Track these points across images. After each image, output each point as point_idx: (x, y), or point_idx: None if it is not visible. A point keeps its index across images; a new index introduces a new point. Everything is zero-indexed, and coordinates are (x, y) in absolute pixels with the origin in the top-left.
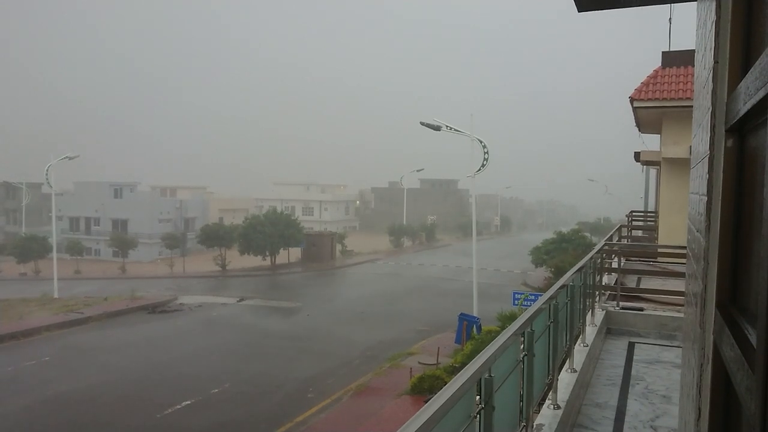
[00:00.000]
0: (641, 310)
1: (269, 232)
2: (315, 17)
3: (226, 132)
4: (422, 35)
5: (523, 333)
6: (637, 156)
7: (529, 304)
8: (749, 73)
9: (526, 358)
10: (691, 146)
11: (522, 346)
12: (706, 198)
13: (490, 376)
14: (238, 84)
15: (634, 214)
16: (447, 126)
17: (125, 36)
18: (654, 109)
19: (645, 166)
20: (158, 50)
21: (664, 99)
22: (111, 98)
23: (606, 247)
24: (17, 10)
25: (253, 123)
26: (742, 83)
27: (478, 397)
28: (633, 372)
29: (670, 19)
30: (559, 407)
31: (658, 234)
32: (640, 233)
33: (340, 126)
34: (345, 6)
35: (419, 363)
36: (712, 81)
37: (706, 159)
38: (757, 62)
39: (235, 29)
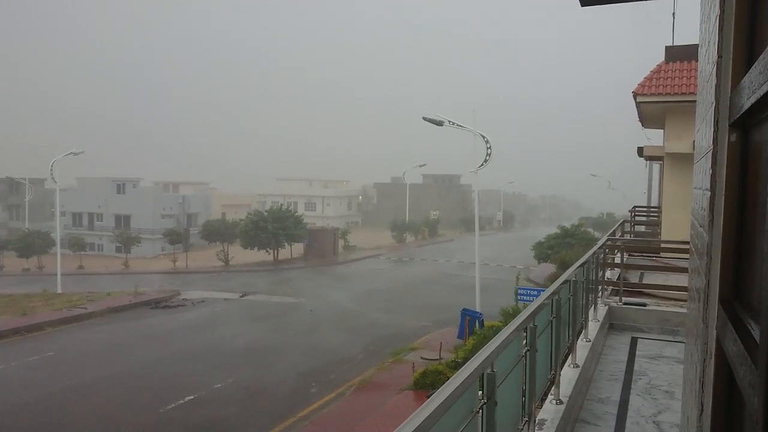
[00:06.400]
0: (644, 305)
1: (271, 227)
2: (320, 17)
3: (228, 129)
4: (426, 38)
5: (526, 328)
6: (640, 151)
7: (530, 299)
8: (753, 67)
9: (528, 353)
10: (694, 141)
11: (524, 342)
12: (710, 193)
13: (493, 371)
14: (241, 82)
15: (637, 209)
16: (449, 121)
17: (126, 36)
18: (657, 103)
19: (648, 162)
20: (161, 49)
21: (668, 94)
22: (113, 97)
23: (609, 243)
24: (17, 13)
25: (255, 120)
26: (746, 78)
27: (480, 392)
28: (636, 367)
29: (673, 13)
30: (561, 402)
31: (661, 229)
32: (643, 228)
33: (342, 123)
34: (352, 7)
35: (422, 358)
36: (716, 75)
37: (710, 154)
38: (761, 56)
39: (237, 28)
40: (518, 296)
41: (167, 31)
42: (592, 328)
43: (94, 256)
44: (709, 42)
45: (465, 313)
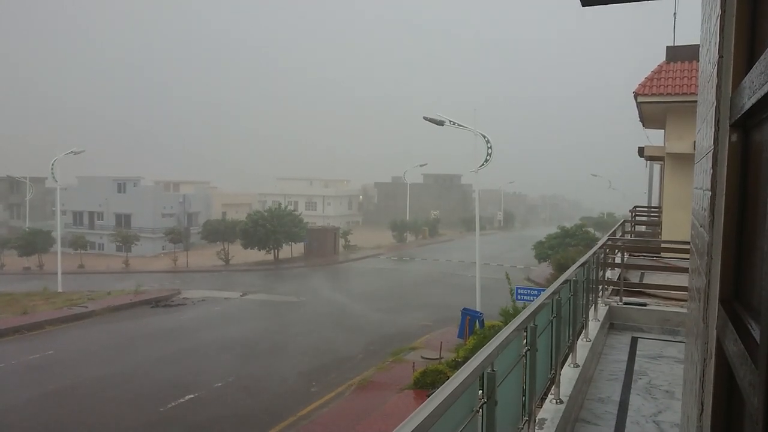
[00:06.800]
0: (644, 305)
1: (272, 227)
2: (320, 17)
3: (228, 129)
4: (426, 38)
5: (526, 328)
6: (641, 151)
7: (531, 299)
8: (754, 67)
9: (528, 352)
10: (695, 141)
11: (525, 341)
12: (710, 193)
13: (493, 370)
14: (241, 82)
15: (637, 209)
16: (450, 121)
17: (126, 36)
18: (658, 104)
19: (649, 162)
20: (161, 49)
21: (669, 94)
22: (113, 97)
23: (609, 242)
24: (17, 13)
25: (255, 120)
26: (747, 78)
27: (480, 391)
28: (636, 367)
29: (674, 13)
30: (561, 402)
31: (661, 229)
32: (643, 228)
33: (343, 123)
34: (352, 7)
35: (422, 357)
36: (717, 75)
37: (710, 154)
38: (762, 56)
39: (237, 28)
40: (517, 296)
41: (167, 31)
42: (593, 327)
43: (95, 255)
44: (710, 42)
45: (465, 312)
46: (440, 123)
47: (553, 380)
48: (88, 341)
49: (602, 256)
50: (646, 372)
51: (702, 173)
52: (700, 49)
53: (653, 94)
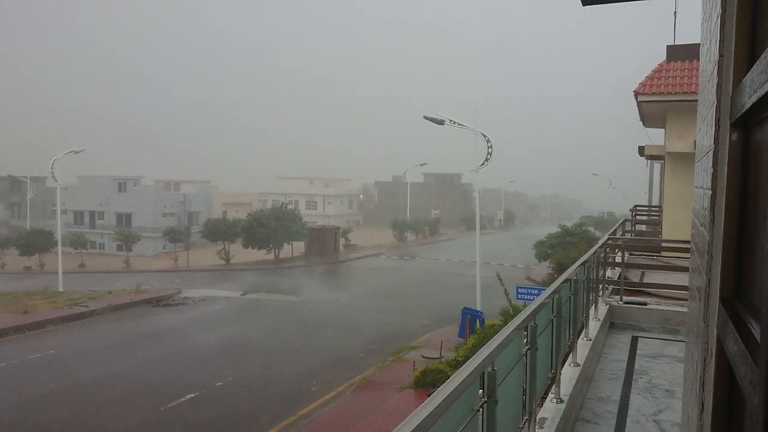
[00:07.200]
0: (645, 304)
1: (272, 226)
2: (320, 17)
3: (228, 129)
4: (426, 38)
5: (527, 327)
6: (641, 150)
7: (531, 298)
8: (755, 66)
9: (529, 352)
10: (695, 140)
11: (525, 340)
12: (711, 192)
13: (493, 369)
14: (241, 82)
15: (638, 208)
16: (450, 120)
17: (126, 35)
18: (658, 103)
19: (649, 161)
20: (161, 49)
21: (669, 93)
22: (113, 97)
23: (610, 242)
24: (17, 13)
25: (255, 120)
26: (748, 77)
27: (481, 390)
28: (636, 366)
29: (674, 12)
30: (562, 401)
31: (662, 228)
32: (644, 228)
33: (343, 123)
34: (352, 7)
35: (422, 357)
36: (717, 74)
37: (711, 153)
38: (763, 55)
39: (237, 28)
40: (517, 295)
41: (167, 31)
42: (593, 327)
43: (96, 255)
44: (710, 41)
45: (466, 311)
46: (440, 122)
47: (554, 379)
48: (89, 340)
49: (603, 255)
50: (647, 371)
51: (702, 172)
52: (701, 48)
53: (654, 93)
